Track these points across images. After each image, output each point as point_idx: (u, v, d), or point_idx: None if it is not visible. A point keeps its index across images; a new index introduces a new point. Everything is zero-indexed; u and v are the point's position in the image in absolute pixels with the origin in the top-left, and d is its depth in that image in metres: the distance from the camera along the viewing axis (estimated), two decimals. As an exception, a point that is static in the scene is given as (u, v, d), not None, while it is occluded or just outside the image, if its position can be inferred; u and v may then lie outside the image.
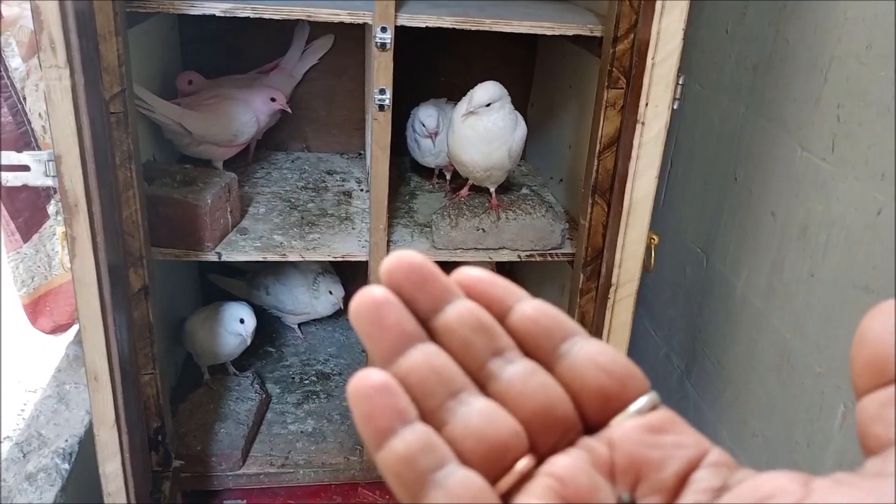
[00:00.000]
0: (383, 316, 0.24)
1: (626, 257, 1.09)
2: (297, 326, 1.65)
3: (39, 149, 1.11)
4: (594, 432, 0.24)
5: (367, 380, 0.23)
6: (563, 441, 0.24)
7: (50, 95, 0.78)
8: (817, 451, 1.06)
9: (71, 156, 0.81)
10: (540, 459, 0.23)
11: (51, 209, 1.16)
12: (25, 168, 0.80)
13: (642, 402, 0.24)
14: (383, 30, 1.00)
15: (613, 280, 1.11)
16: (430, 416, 0.23)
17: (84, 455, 1.12)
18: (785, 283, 1.15)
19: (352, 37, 1.50)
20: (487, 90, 1.12)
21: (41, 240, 1.15)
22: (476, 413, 0.23)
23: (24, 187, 0.95)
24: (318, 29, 1.49)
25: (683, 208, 1.49)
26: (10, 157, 0.79)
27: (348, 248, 1.19)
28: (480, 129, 1.13)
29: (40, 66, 0.77)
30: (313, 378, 1.55)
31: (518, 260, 1.23)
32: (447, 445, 0.23)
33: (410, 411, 0.23)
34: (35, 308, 1.17)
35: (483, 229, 1.20)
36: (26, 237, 1.12)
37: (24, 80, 1.09)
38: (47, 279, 1.18)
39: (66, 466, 1.08)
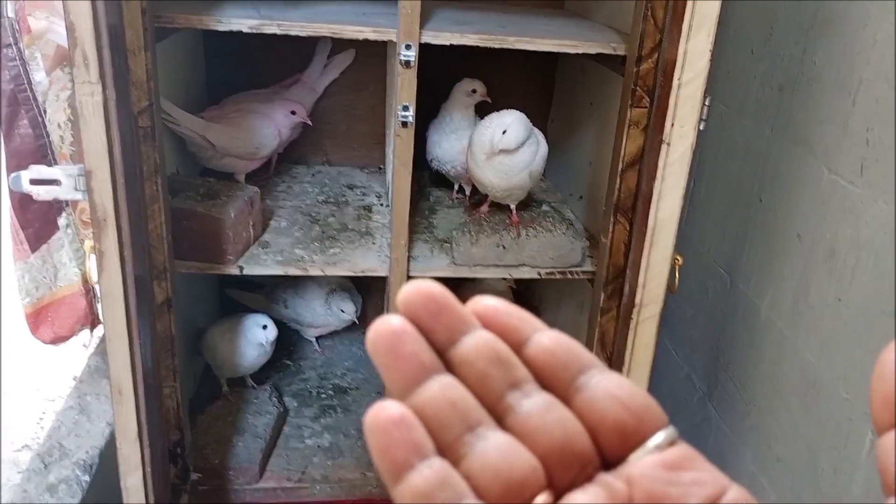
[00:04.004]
0: (400, 346, 0.24)
1: (649, 278, 1.08)
2: (315, 340, 1.65)
3: (56, 161, 1.12)
4: (612, 467, 0.24)
5: (384, 412, 0.23)
6: (581, 477, 0.24)
7: (82, 111, 0.79)
8: (844, 478, 1.04)
9: (101, 171, 0.82)
10: (557, 495, 0.23)
11: (61, 221, 1.17)
12: (56, 182, 0.81)
13: (660, 437, 0.24)
14: (407, 47, 1.00)
15: (637, 300, 1.10)
16: (447, 449, 0.23)
17: (105, 467, 1.12)
18: (811, 306, 1.13)
19: (373, 52, 1.51)
20: (517, 135, 1.10)
21: (49, 251, 1.16)
22: (494, 448, 0.23)
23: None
24: (340, 44, 1.50)
25: (707, 228, 1.48)
26: (42, 171, 0.80)
27: (369, 263, 1.19)
28: (505, 166, 1.13)
29: (72, 81, 0.78)
30: (330, 392, 1.55)
31: (538, 277, 1.22)
32: (464, 481, 0.22)
33: (427, 445, 0.23)
34: (37, 318, 1.18)
35: (503, 246, 1.19)
36: (35, 247, 1.13)
37: (45, 94, 1.10)
38: (51, 290, 1.19)
39: (87, 478, 1.08)
